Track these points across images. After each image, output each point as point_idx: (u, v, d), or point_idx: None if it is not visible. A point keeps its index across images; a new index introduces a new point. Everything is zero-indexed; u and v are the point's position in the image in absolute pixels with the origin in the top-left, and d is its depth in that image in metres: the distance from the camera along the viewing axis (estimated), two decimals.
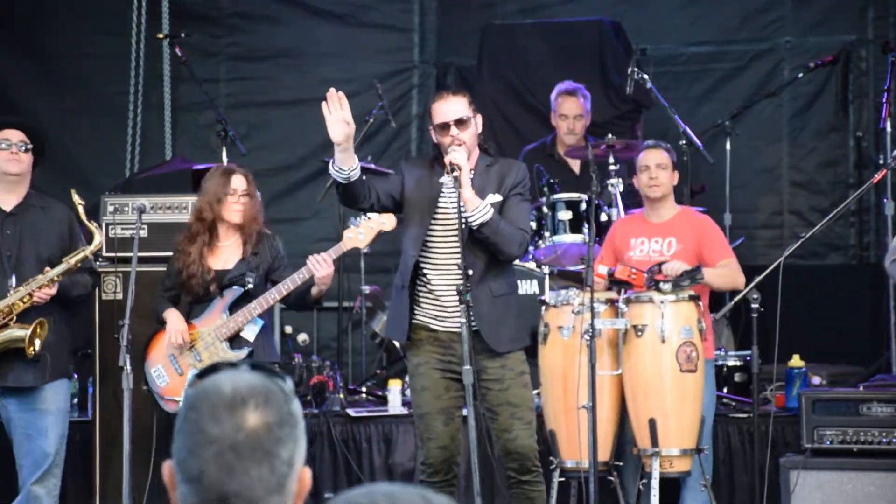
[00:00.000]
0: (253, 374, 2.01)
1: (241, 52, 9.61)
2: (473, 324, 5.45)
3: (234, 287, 6.16)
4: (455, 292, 5.40)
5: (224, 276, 6.17)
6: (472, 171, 5.58)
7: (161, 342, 6.21)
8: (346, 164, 5.38)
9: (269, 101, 9.57)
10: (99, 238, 6.11)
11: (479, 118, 5.67)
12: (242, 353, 6.12)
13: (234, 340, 6.15)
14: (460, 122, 5.56)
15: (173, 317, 6.16)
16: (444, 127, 5.57)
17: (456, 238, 5.48)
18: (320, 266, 5.95)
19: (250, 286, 6.15)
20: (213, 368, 2.03)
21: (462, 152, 5.49)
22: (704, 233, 6.39)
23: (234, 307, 6.15)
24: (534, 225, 7.08)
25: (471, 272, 5.42)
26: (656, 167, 6.43)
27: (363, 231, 6.02)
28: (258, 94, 9.57)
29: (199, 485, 1.94)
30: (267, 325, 6.23)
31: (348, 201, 5.60)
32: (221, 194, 6.17)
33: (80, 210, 6.03)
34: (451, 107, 5.60)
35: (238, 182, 6.19)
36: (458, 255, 5.44)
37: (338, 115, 5.30)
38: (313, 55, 9.52)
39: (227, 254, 6.23)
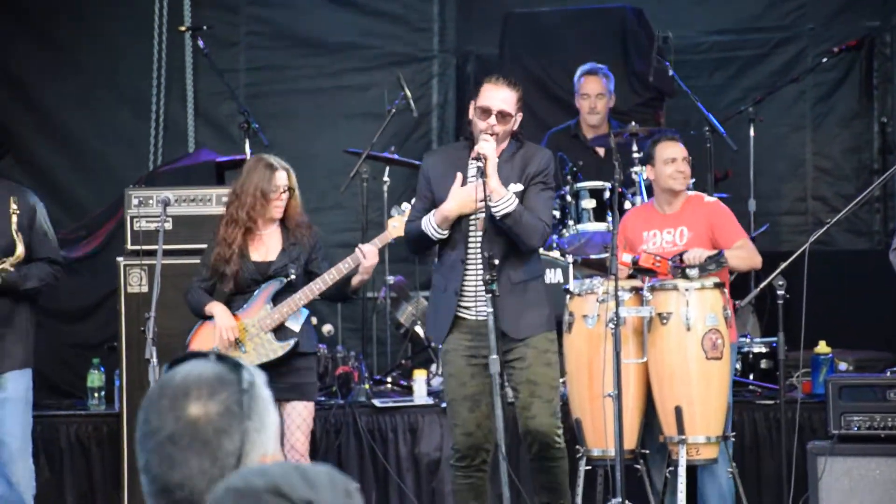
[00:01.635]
0: (210, 365, 1.97)
1: (260, 42, 9.58)
2: None
3: (277, 278, 6.10)
4: (482, 282, 5.40)
5: (265, 267, 6.10)
6: (497, 160, 5.55)
7: (204, 333, 6.13)
8: (447, 226, 5.48)
9: (289, 90, 9.53)
10: (19, 251, 5.99)
11: (520, 117, 5.63)
12: (289, 344, 6.06)
13: (280, 331, 6.08)
14: (502, 115, 5.52)
15: (221, 312, 6.05)
16: (486, 112, 5.53)
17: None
18: (368, 255, 5.94)
19: (293, 277, 6.09)
20: (181, 359, 2.00)
21: (491, 143, 5.46)
22: (715, 218, 6.36)
23: (275, 298, 6.11)
24: (557, 214, 7.06)
25: (496, 261, 5.41)
26: (683, 160, 6.42)
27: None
28: (278, 83, 9.54)
29: (147, 475, 1.94)
30: (309, 315, 6.19)
31: (423, 252, 5.81)
32: (266, 189, 6.06)
33: (14, 219, 5.96)
34: (501, 95, 5.54)
35: (281, 178, 6.10)
36: (482, 244, 5.44)
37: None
38: (332, 44, 9.50)
39: (267, 244, 6.15)
